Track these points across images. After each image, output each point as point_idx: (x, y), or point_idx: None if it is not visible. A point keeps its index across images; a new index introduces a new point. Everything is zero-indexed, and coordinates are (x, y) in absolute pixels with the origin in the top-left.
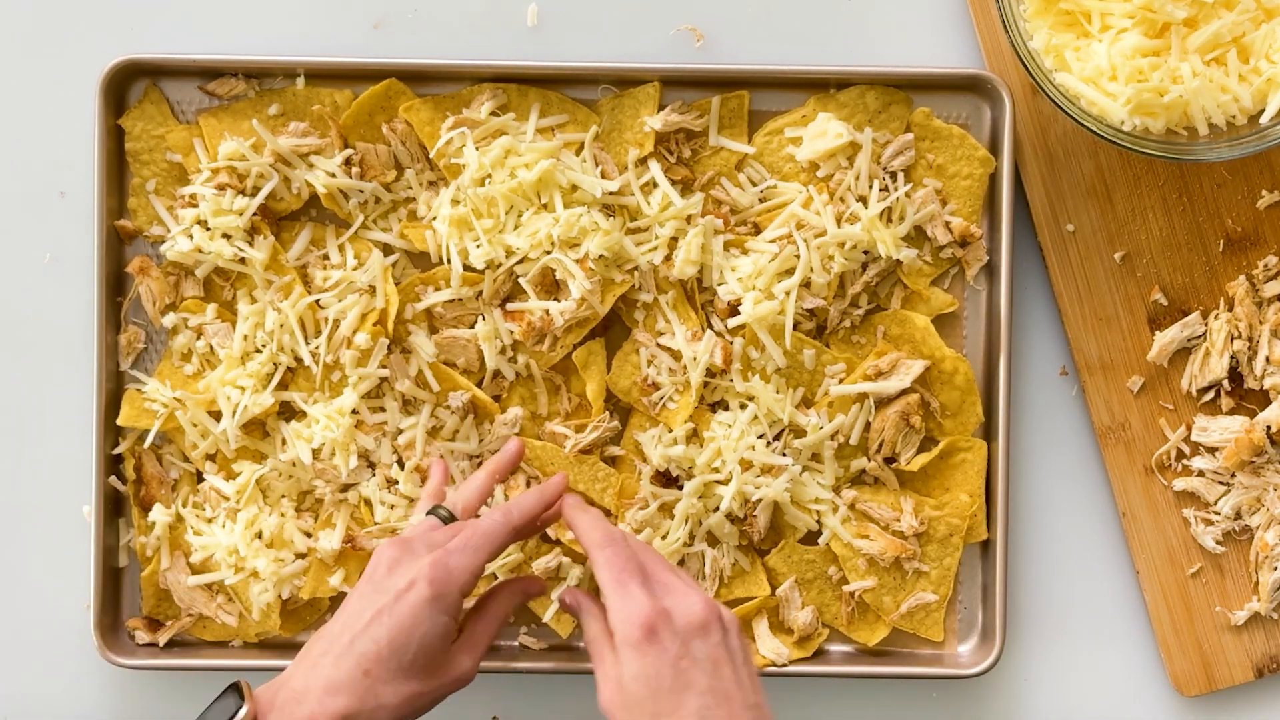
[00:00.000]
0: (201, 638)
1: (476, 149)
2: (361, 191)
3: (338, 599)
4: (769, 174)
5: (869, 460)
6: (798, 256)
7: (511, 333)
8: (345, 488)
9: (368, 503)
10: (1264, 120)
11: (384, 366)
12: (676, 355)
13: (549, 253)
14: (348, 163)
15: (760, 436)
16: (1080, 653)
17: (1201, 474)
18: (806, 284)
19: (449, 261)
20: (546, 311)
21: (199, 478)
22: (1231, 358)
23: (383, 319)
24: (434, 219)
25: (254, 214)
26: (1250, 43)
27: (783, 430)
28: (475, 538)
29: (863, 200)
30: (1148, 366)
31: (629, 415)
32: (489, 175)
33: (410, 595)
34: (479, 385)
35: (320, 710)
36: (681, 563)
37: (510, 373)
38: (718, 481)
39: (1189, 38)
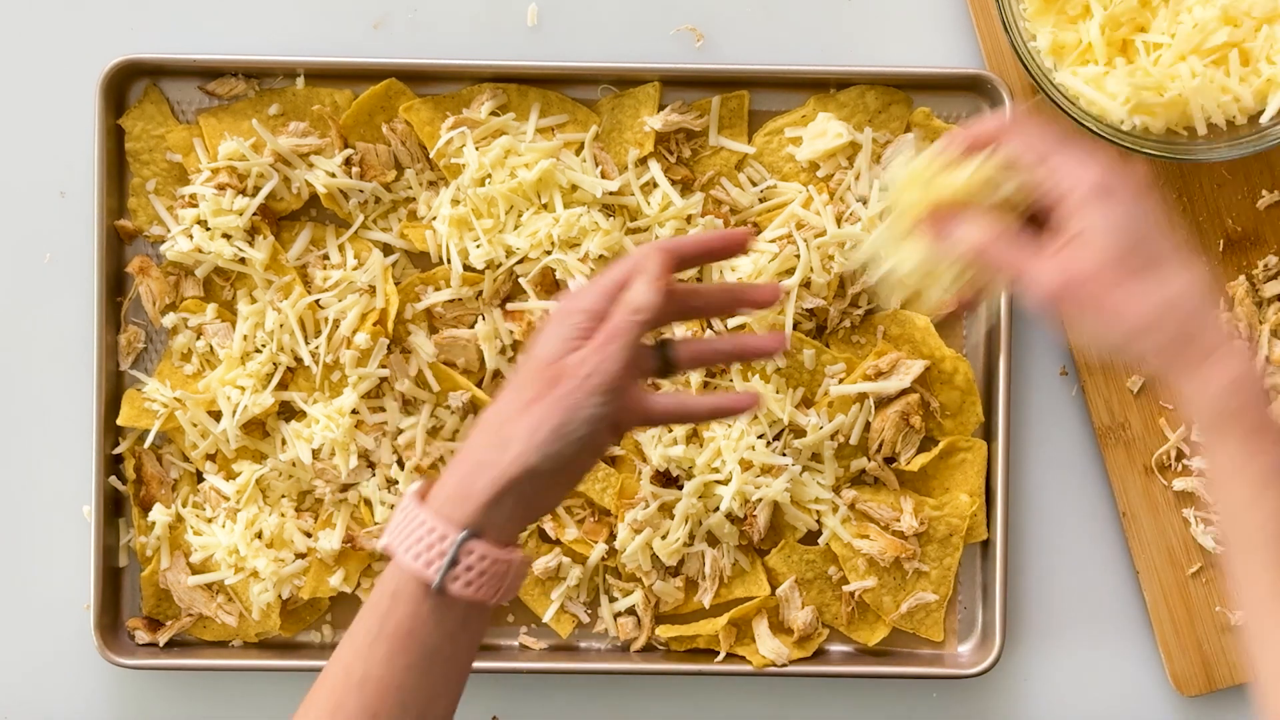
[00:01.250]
0: (201, 638)
1: (476, 149)
2: (361, 191)
3: (338, 599)
4: (769, 174)
5: (869, 460)
6: (798, 256)
7: (511, 333)
8: (345, 488)
9: (368, 503)
10: (1264, 120)
11: (384, 366)
12: None
13: (549, 253)
14: (348, 163)
15: (760, 436)
16: (1080, 653)
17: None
18: (806, 284)
19: (449, 261)
20: (546, 311)
21: (199, 478)
22: None
23: (383, 319)
24: (434, 219)
25: (254, 214)
26: (1251, 48)
27: (783, 430)
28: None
29: (863, 200)
30: None
31: None
32: (489, 175)
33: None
34: (479, 385)
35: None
36: (681, 563)
37: (510, 373)
38: (718, 481)
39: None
